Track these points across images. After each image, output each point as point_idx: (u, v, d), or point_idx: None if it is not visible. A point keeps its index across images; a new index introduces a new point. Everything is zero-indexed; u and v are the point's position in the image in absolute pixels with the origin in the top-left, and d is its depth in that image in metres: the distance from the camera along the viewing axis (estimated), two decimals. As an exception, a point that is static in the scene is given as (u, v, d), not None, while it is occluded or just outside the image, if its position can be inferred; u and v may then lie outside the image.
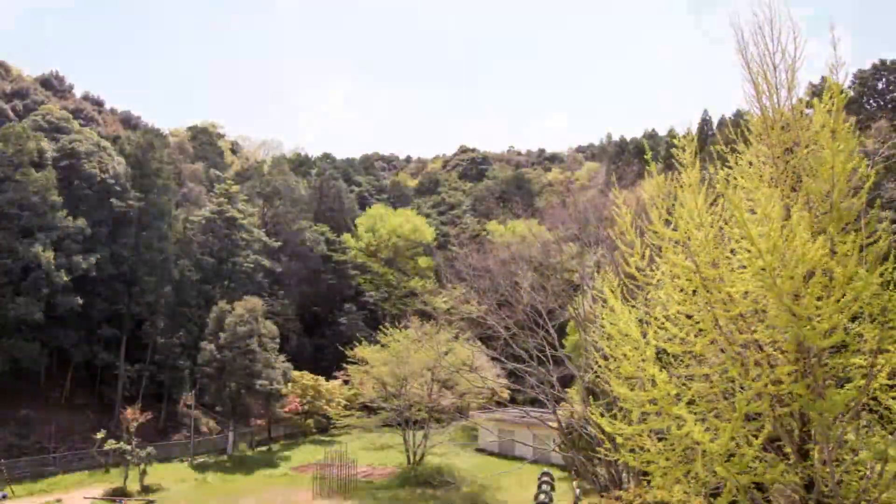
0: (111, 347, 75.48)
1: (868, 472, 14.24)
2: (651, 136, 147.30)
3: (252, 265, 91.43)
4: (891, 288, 14.45)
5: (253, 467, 61.59)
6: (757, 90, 16.63)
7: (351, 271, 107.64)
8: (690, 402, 14.84)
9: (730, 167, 17.36)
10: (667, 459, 14.11)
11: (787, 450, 15.37)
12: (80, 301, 68.40)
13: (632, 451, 17.02)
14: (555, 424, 40.96)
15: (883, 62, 77.13)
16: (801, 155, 15.87)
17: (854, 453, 14.34)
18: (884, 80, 77.47)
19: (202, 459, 66.61)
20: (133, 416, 58.03)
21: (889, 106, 74.88)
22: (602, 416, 16.61)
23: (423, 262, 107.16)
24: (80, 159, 75.07)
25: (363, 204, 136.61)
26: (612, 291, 16.97)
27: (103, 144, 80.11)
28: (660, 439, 15.57)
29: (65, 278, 66.19)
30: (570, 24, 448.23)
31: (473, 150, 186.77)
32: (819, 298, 13.73)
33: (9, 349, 63.28)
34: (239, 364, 68.09)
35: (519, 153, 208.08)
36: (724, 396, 14.77)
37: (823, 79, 15.26)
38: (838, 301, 13.56)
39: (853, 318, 14.78)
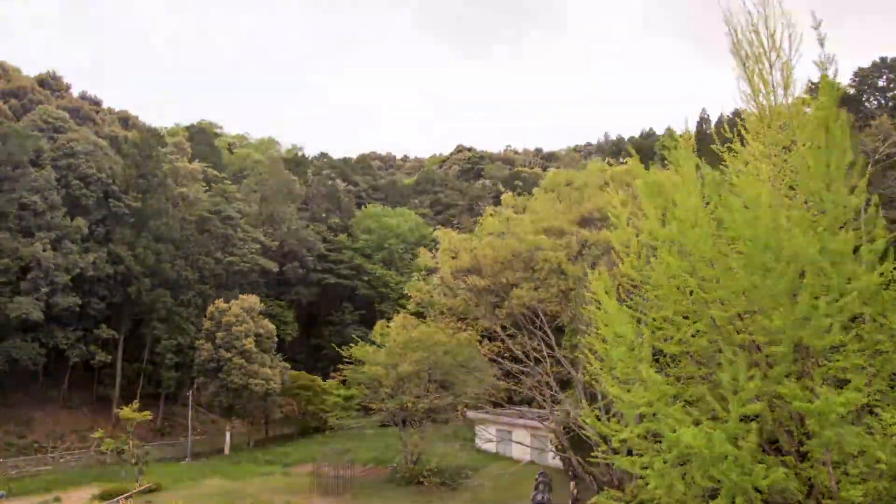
0: (109, 347, 75.43)
1: (867, 475, 14.14)
2: (649, 135, 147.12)
3: (249, 265, 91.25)
4: (889, 288, 14.33)
5: (250, 466, 61.43)
6: (753, 89, 16.54)
7: (348, 271, 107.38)
8: (687, 404, 14.74)
9: (727, 166, 17.27)
10: (664, 462, 14.01)
11: (786, 452, 15.27)
12: (79, 301, 68.34)
13: (628, 453, 16.90)
14: (552, 425, 40.87)
15: (883, 59, 76.90)
16: (799, 153, 15.76)
17: (853, 456, 14.23)
18: (884, 77, 77.25)
19: (199, 459, 66.49)
20: (130, 415, 57.91)
21: (890, 103, 74.67)
22: (598, 418, 16.51)
23: (420, 262, 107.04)
24: (79, 159, 74.90)
25: (360, 203, 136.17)
26: (607, 292, 16.84)
27: (101, 144, 79.97)
28: (656, 441, 15.46)
29: (64, 278, 66.10)
30: (568, 23, 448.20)
31: (470, 150, 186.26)
32: (816, 298, 13.62)
33: (7, 349, 63.17)
34: (236, 363, 67.97)
35: (516, 152, 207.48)
36: (722, 398, 14.67)
37: (821, 76, 15.14)
38: (836, 301, 13.44)
39: (852, 319, 14.67)
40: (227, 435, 72.41)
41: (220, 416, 74.38)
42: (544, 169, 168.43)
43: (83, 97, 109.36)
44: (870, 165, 17.50)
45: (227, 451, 70.87)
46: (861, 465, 13.99)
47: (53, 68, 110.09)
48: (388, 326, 58.75)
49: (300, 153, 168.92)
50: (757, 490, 13.86)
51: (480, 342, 46.51)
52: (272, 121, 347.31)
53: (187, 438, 70.85)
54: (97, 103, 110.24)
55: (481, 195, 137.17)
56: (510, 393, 50.62)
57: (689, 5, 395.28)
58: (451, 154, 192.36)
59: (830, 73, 14.64)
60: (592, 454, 22.26)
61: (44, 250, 64.78)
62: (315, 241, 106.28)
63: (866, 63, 78.58)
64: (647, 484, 15.49)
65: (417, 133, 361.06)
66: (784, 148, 16.32)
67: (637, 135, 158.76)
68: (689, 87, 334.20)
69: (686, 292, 15.66)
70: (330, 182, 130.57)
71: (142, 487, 49.99)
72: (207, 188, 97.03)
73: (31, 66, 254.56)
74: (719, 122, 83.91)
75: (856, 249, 14.03)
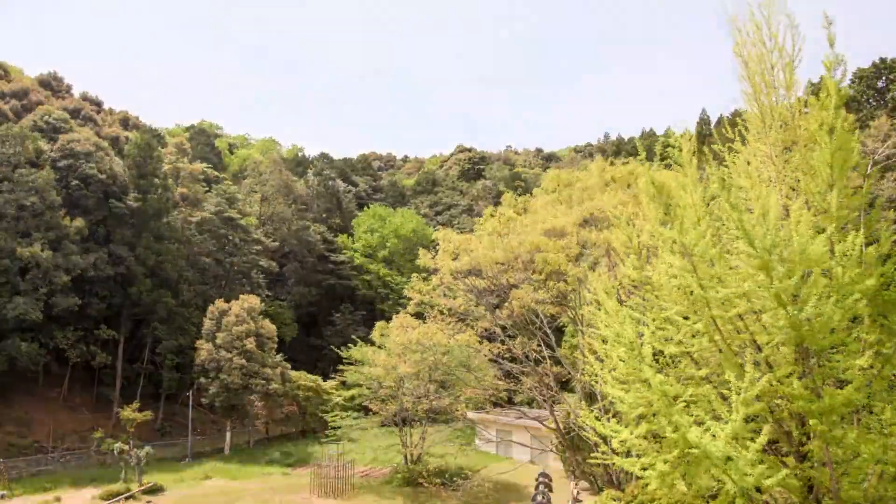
0: (109, 347, 75.42)
1: (868, 475, 14.13)
2: (649, 135, 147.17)
3: (249, 265, 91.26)
4: (891, 288, 14.32)
5: (251, 467, 61.45)
6: (755, 89, 16.53)
7: (348, 272, 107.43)
8: (688, 405, 14.72)
9: (727, 166, 17.27)
10: (664, 462, 13.99)
11: (786, 452, 15.26)
12: (79, 301, 68.32)
13: (628, 454, 16.87)
14: (552, 425, 40.84)
15: (883, 60, 76.97)
16: (801, 154, 15.76)
17: (853, 456, 14.22)
18: (884, 78, 77.32)
19: (200, 458, 66.48)
20: (131, 415, 57.91)
21: (889, 104, 74.71)
22: (598, 418, 16.49)
23: (420, 262, 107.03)
24: (79, 159, 74.91)
25: (361, 204, 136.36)
26: (608, 293, 16.83)
27: (102, 145, 79.94)
28: (656, 441, 15.45)
29: (64, 278, 66.07)
30: (569, 23, 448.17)
31: (471, 150, 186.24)
32: (818, 298, 13.62)
33: (7, 349, 63.11)
34: (236, 364, 67.95)
35: (516, 152, 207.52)
36: (723, 398, 14.66)
37: (823, 77, 15.13)
38: (838, 301, 13.44)
39: (853, 319, 14.67)
40: (228, 435, 72.38)
41: (221, 416, 74.34)
42: (544, 169, 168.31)
43: (84, 98, 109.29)
44: (870, 167, 17.50)
45: (227, 451, 70.84)
46: (861, 465, 13.99)
47: (55, 69, 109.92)
48: (387, 327, 58.80)
49: (301, 153, 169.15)
50: (758, 490, 13.85)
51: (480, 343, 46.49)
52: (272, 121, 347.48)
53: (187, 438, 70.81)
54: (98, 104, 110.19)
55: (481, 195, 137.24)
56: (510, 393, 50.65)
57: (689, 5, 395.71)
58: (452, 154, 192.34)
59: (838, 74, 14.63)
60: (592, 455, 22.27)
61: (42, 251, 64.74)
62: (315, 242, 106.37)
63: (866, 64, 78.72)
64: (647, 485, 15.49)
65: (418, 133, 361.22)
66: (785, 149, 16.33)
67: (637, 135, 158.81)
68: (689, 88, 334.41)
69: (686, 292, 15.64)
70: (330, 182, 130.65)
71: (142, 487, 50.03)
72: (208, 189, 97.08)
73: (32, 67, 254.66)
74: (719, 122, 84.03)
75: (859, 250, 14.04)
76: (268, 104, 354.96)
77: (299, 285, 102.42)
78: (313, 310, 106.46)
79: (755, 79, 16.35)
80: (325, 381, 79.58)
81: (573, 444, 38.36)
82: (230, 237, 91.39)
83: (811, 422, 13.23)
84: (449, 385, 54.35)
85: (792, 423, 14.96)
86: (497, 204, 47.42)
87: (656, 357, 16.28)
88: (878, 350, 14.40)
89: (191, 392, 73.97)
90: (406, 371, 51.58)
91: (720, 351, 15.24)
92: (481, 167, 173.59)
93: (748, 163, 16.76)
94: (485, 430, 62.03)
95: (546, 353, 39.61)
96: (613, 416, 21.27)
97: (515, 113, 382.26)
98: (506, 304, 39.77)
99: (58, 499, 47.56)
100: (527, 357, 40.35)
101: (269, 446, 74.59)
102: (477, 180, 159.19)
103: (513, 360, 42.63)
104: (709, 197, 16.48)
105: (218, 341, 69.52)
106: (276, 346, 76.06)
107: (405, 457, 55.40)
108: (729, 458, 12.91)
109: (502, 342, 42.70)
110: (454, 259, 42.10)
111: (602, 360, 17.60)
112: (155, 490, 50.51)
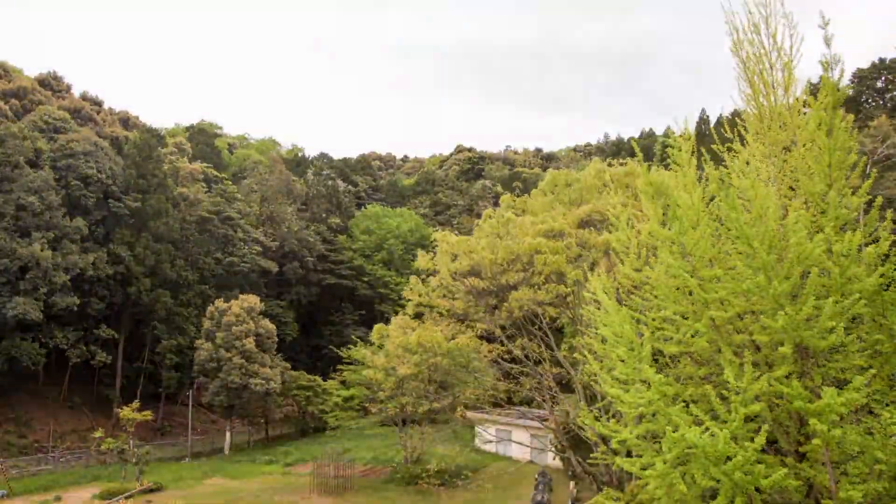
0: (109, 347, 75.39)
1: (867, 475, 14.13)
2: (648, 135, 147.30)
3: (249, 265, 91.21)
4: (889, 289, 14.31)
5: (250, 466, 61.43)
6: (753, 89, 16.52)
7: (347, 272, 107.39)
8: (687, 404, 14.72)
9: (726, 166, 17.26)
10: (664, 462, 13.99)
11: (785, 452, 15.26)
12: (78, 301, 68.27)
13: (628, 453, 16.86)
14: (552, 425, 40.85)
15: (882, 60, 77.15)
16: (800, 153, 15.75)
17: (853, 456, 14.22)
18: (883, 78, 77.50)
19: (200, 458, 66.48)
20: (131, 415, 57.89)
21: (888, 104, 74.86)
22: (597, 419, 16.50)
23: (419, 262, 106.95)
24: (78, 159, 74.85)
25: (360, 204, 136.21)
26: (607, 293, 16.82)
27: (101, 144, 79.87)
28: (655, 441, 15.45)
29: (63, 278, 66.03)
30: (568, 23, 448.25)
31: (470, 150, 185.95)
32: (817, 299, 13.61)
33: (7, 349, 63.10)
34: (236, 363, 67.92)
35: (516, 153, 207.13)
36: (722, 398, 14.66)
37: (822, 77, 15.12)
38: (837, 302, 13.43)
39: (852, 319, 14.66)
40: (227, 435, 72.41)
41: (220, 416, 74.33)
42: (544, 169, 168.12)
43: (84, 97, 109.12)
44: (869, 166, 17.51)
45: (227, 450, 70.86)
46: (860, 465, 13.98)
47: (54, 68, 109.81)
48: (386, 329, 58.63)
49: (300, 153, 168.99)
50: (757, 490, 13.84)
51: (480, 343, 46.46)
52: (272, 121, 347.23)
53: (187, 438, 70.85)
54: (98, 103, 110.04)
55: (481, 195, 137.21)
56: (510, 393, 50.63)
57: (687, 5, 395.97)
58: (451, 154, 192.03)
59: (835, 73, 14.63)
60: (592, 454, 22.26)
61: (42, 250, 64.69)
62: (315, 242, 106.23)
63: (865, 64, 78.82)
64: (646, 484, 15.48)
65: (418, 133, 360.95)
66: (784, 148, 16.32)
67: (637, 135, 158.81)
68: (687, 87, 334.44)
69: (686, 292, 15.64)
70: (330, 182, 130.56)
71: (142, 487, 50.00)
72: (207, 188, 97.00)
73: (32, 66, 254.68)
74: (718, 122, 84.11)
75: (857, 250, 14.04)
76: (267, 104, 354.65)
77: (299, 285, 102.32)
78: (313, 309, 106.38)
79: (754, 78, 16.35)
80: (324, 380, 79.55)
81: (572, 444, 38.36)
82: (230, 237, 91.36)
83: (810, 422, 13.22)
84: (448, 386, 54.29)
85: (791, 423, 14.95)
86: (496, 204, 47.38)
87: (656, 357, 16.29)
88: (878, 350, 14.40)
89: (190, 392, 74.01)
90: (405, 373, 51.52)
91: (719, 351, 15.23)
92: (481, 167, 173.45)
93: (747, 163, 16.75)
94: (484, 430, 61.93)
95: (546, 353, 39.59)
96: (613, 415, 21.29)
97: (515, 113, 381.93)
98: (505, 304, 39.71)
99: (58, 498, 47.57)
100: (527, 357, 40.35)
101: (268, 446, 74.59)
102: (476, 180, 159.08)
103: (512, 360, 42.61)
104: (708, 197, 16.47)
105: (217, 341, 69.50)
106: (275, 345, 76.04)
107: (405, 456, 55.36)
108: (728, 458, 12.91)
109: (502, 343, 42.68)
110: (453, 260, 42.04)
111: (601, 360, 17.60)
112: (154, 489, 50.49)
